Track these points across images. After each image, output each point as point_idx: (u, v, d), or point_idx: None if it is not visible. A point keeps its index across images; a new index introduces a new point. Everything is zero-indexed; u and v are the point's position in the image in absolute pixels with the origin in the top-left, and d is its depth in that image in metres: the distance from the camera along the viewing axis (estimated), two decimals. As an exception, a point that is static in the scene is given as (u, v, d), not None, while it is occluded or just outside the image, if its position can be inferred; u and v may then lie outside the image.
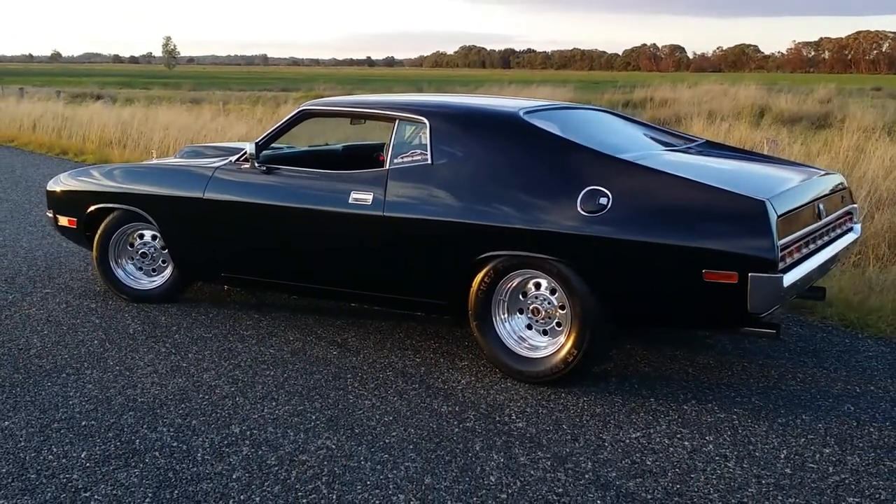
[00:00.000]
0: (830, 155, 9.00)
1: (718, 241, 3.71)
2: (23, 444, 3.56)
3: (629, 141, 4.87)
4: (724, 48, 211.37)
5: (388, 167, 4.60)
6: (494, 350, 4.32)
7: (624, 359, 4.59)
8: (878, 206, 7.29)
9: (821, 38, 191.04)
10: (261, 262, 5.10)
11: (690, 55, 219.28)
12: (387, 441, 3.61)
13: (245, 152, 5.04)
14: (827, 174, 4.81)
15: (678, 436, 3.67)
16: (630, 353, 4.68)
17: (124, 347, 4.76)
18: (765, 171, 4.74)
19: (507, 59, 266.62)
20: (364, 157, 5.76)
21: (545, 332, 4.26)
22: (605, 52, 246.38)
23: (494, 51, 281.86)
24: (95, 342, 4.84)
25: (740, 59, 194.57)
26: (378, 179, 4.56)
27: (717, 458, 3.47)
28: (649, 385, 4.24)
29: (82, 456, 3.45)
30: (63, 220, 5.86)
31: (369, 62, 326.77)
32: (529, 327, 4.31)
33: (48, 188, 6.02)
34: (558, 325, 4.20)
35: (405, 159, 4.62)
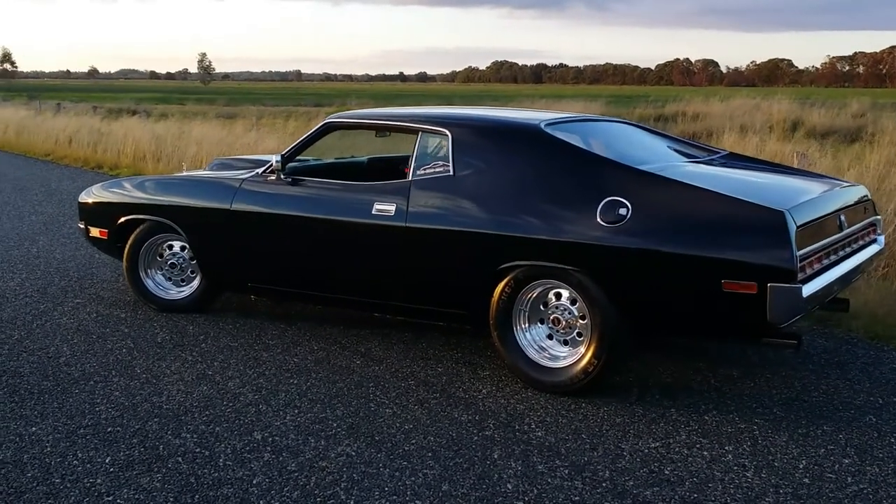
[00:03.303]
0: (860, 168, 8.93)
1: (738, 251, 3.71)
2: (49, 449, 3.63)
3: (650, 153, 4.88)
4: (757, 62, 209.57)
5: (410, 178, 4.65)
6: (515, 360, 4.34)
7: (646, 369, 4.59)
8: (907, 219, 7.22)
9: (855, 53, 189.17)
10: (286, 272, 5.16)
11: (724, 69, 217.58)
12: (406, 448, 3.64)
13: (271, 164, 5.12)
14: (850, 186, 4.80)
15: (697, 446, 3.67)
16: (652, 364, 4.68)
17: (152, 356, 4.83)
18: (786, 183, 4.73)
19: (539, 73, 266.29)
20: (389, 169, 5.81)
21: (566, 342, 4.28)
22: (637, 67, 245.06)
23: (526, 66, 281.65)
24: (124, 350, 4.92)
25: (774, 74, 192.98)
26: (401, 190, 4.61)
27: (735, 467, 3.47)
28: (671, 395, 4.24)
29: (107, 461, 3.52)
30: (94, 231, 5.96)
31: (402, 78, 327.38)
32: (550, 337, 4.33)
33: (80, 200, 6.13)
34: (579, 335, 4.22)
35: (428, 171, 4.66)
